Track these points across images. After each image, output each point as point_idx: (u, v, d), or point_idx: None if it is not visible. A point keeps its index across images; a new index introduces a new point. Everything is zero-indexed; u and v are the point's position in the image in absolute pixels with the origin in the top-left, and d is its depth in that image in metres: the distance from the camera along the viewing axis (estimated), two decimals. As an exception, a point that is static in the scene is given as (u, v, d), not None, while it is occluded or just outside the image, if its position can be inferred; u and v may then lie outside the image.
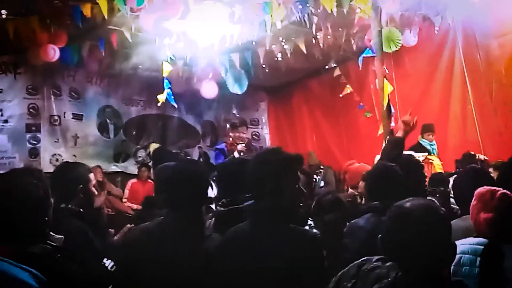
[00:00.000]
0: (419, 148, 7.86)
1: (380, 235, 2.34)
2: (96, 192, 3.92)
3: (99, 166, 8.72)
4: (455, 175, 4.52)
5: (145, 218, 3.54)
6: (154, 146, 8.35)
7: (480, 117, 8.04)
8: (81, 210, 3.69)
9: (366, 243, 3.37)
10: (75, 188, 3.75)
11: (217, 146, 7.36)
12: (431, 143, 8.12)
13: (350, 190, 5.47)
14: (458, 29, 8.19)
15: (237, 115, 11.18)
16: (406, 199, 2.35)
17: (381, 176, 3.86)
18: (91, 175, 3.96)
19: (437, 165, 7.05)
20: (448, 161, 7.66)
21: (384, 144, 4.95)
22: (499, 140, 7.68)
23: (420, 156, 6.90)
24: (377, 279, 2.30)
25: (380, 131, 5.17)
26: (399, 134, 4.48)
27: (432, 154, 7.79)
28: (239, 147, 6.64)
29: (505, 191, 3.15)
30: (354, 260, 3.09)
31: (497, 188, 3.21)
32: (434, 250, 2.20)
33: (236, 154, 6.50)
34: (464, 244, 3.15)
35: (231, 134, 6.81)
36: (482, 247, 3.07)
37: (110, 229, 4.14)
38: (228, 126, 7.24)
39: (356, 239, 3.54)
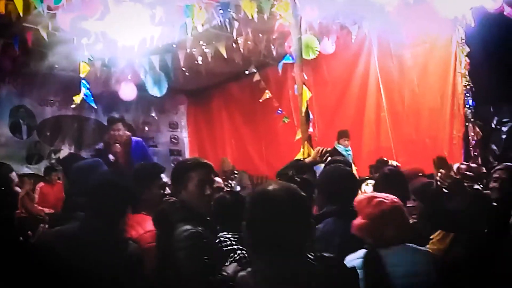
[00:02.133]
0: (335, 153, 8.04)
1: (244, 223, 2.40)
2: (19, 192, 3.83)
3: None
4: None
5: (63, 221, 3.47)
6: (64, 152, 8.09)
7: (393, 124, 8.34)
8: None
9: (339, 246, 3.44)
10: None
11: (96, 147, 6.98)
12: (346, 149, 8.34)
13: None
14: (373, 38, 8.47)
15: (156, 118, 11.14)
16: (267, 184, 2.42)
17: (337, 179, 3.87)
18: (13, 175, 3.84)
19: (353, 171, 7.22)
20: (362, 166, 7.88)
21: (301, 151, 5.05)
22: (410, 147, 7.98)
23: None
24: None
25: (298, 136, 5.24)
26: (308, 159, 4.56)
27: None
28: (114, 148, 6.36)
29: (381, 198, 3.24)
30: None
31: (375, 194, 3.30)
32: (297, 228, 2.27)
33: (110, 157, 6.28)
34: (353, 260, 3.23)
35: (110, 132, 6.46)
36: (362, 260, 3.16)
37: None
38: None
39: (329, 245, 3.53)
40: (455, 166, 4.85)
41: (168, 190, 3.91)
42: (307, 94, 5.07)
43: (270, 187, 2.36)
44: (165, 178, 3.90)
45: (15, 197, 3.77)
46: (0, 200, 3.63)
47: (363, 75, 8.89)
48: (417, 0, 6.60)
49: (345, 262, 3.08)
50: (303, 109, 5.03)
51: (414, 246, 3.16)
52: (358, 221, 3.19)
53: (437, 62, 7.96)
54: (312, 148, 5.01)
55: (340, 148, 8.36)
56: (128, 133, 6.54)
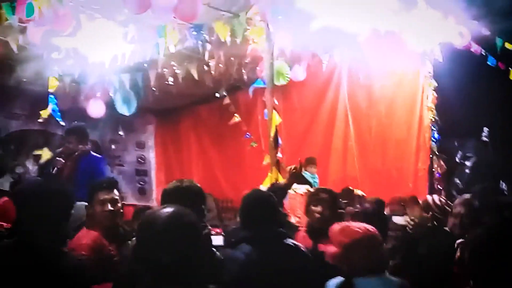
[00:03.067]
0: (302, 180, 8.06)
1: (132, 246, 2.41)
2: None
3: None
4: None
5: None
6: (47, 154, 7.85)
7: (360, 153, 8.44)
8: None
9: (242, 274, 3.41)
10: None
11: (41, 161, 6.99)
12: (312, 176, 8.38)
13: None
14: (344, 68, 8.58)
15: (123, 137, 11.03)
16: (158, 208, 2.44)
17: (254, 204, 3.85)
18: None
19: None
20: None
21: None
22: (376, 177, 8.06)
23: (302, 188, 7.09)
24: None
25: (266, 161, 5.25)
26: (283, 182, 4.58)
27: (314, 187, 8.00)
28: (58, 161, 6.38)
29: (352, 226, 3.28)
30: None
31: (350, 224, 3.33)
32: (180, 256, 2.26)
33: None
34: (332, 286, 3.25)
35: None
36: None
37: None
38: None
39: (230, 271, 3.47)
40: (431, 199, 4.87)
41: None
42: (276, 119, 5.09)
43: (157, 212, 2.36)
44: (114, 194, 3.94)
45: None
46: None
47: (332, 104, 8.97)
48: (387, 32, 6.68)
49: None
50: (272, 134, 5.04)
51: (390, 277, 3.18)
52: (331, 249, 3.22)
53: (405, 95, 8.09)
54: (280, 173, 5.03)
55: (307, 175, 8.38)
56: (83, 147, 6.48)
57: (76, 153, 6.45)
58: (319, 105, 9.21)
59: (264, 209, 3.77)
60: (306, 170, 8.50)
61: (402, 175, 7.92)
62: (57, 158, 6.29)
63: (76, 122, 8.82)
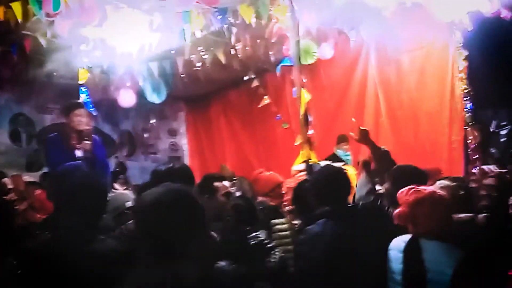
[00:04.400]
0: (335, 158, 8.05)
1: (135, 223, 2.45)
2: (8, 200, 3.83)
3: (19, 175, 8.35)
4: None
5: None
6: None
7: (392, 129, 8.34)
8: None
9: (328, 249, 3.46)
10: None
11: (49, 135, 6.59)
12: (346, 154, 8.33)
13: (260, 198, 5.55)
14: (371, 43, 8.48)
15: (155, 125, 11.13)
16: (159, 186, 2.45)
17: (330, 180, 3.94)
18: (2, 184, 3.86)
19: (352, 175, 7.21)
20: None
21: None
22: (409, 151, 7.97)
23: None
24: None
25: (298, 141, 5.25)
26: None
27: (347, 164, 7.98)
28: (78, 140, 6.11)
29: (419, 188, 3.31)
30: (312, 268, 3.21)
31: (419, 187, 3.38)
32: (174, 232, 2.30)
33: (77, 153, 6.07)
34: (397, 240, 3.33)
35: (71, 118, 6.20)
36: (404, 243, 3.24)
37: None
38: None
39: (318, 246, 3.58)
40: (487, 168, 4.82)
41: None
42: (305, 96, 5.08)
43: (155, 192, 2.39)
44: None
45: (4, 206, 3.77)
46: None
47: (361, 80, 8.90)
48: (414, 5, 6.59)
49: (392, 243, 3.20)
50: (302, 112, 5.05)
51: (454, 247, 3.21)
52: (397, 209, 3.26)
53: (435, 66, 7.97)
54: (312, 151, 5.04)
55: (340, 153, 8.36)
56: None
57: (90, 130, 6.41)
58: (348, 82, 9.14)
59: (341, 183, 3.90)
60: (339, 149, 8.49)
61: (436, 148, 7.83)
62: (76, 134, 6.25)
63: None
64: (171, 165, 3.86)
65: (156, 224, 2.30)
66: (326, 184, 3.91)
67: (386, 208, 3.94)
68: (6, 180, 3.92)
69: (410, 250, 3.22)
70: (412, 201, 3.27)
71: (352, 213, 3.82)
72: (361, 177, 4.52)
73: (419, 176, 4.14)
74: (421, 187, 3.38)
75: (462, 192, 4.06)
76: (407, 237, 3.32)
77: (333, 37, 8.16)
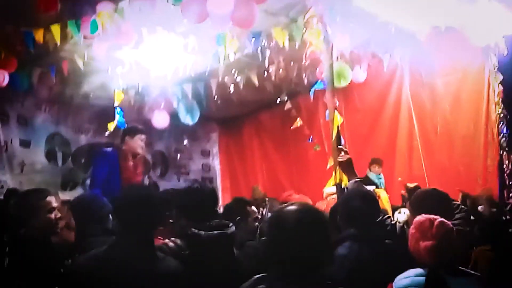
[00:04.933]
0: (367, 181, 8.01)
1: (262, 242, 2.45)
2: (53, 218, 3.89)
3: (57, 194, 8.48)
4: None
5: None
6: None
7: (426, 152, 8.29)
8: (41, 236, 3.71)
9: (353, 271, 3.45)
10: (26, 215, 3.75)
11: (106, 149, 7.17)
12: (378, 176, 8.30)
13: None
14: (405, 67, 8.48)
15: (188, 146, 11.20)
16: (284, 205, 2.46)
17: (357, 201, 3.93)
18: (46, 202, 3.92)
19: (384, 198, 7.19)
20: (395, 195, 7.81)
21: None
22: (443, 175, 7.90)
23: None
24: None
25: (330, 164, 5.24)
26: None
27: (380, 188, 7.94)
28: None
29: (442, 219, 3.27)
30: None
31: (434, 217, 3.32)
32: (311, 252, 2.29)
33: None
34: (406, 278, 3.23)
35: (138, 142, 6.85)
36: (424, 278, 3.16)
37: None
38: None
39: (342, 269, 3.54)
40: None
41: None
42: (338, 119, 5.08)
43: (286, 209, 2.40)
44: None
45: (47, 223, 3.83)
46: (31, 229, 3.71)
47: (395, 103, 8.89)
48: (448, 29, 6.57)
49: (395, 281, 3.12)
50: (334, 134, 5.05)
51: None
52: (426, 242, 3.20)
53: (470, 90, 7.92)
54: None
55: (372, 176, 8.33)
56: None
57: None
58: (382, 105, 9.13)
59: (368, 206, 3.88)
60: (371, 171, 8.46)
61: (471, 172, 7.74)
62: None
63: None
64: (197, 185, 3.89)
65: (297, 246, 2.29)
66: (352, 206, 3.90)
67: None
68: (50, 198, 3.98)
69: (434, 283, 3.14)
70: (444, 233, 3.22)
71: (378, 236, 3.80)
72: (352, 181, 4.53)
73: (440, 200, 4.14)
74: (436, 217, 3.32)
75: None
76: (419, 271, 3.24)
77: (367, 60, 8.15)
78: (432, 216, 3.36)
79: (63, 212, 4.47)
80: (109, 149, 6.97)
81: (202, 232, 3.39)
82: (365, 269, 3.51)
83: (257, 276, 2.42)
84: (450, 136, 8.10)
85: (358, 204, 3.88)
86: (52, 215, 3.84)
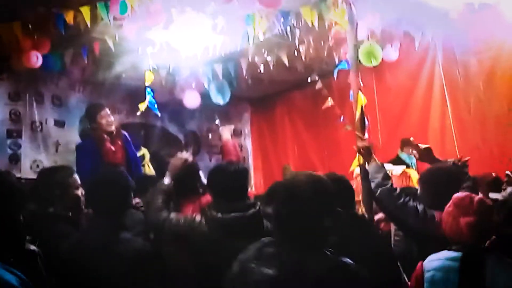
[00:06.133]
0: (398, 161, 7.96)
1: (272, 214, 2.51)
2: (80, 195, 3.97)
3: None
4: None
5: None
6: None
7: (459, 132, 8.18)
8: (69, 214, 3.78)
9: None
10: (57, 192, 3.83)
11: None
12: (410, 157, 8.21)
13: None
14: (438, 45, 8.34)
15: (219, 126, 11.24)
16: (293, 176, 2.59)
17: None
18: (72, 179, 4.00)
19: (415, 179, 7.12)
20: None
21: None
22: (476, 154, 7.76)
23: (398, 169, 7.01)
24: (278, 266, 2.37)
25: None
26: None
27: (411, 168, 7.87)
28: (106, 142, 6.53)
29: (481, 196, 3.26)
30: None
31: (472, 194, 3.31)
32: (320, 219, 2.39)
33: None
34: (437, 260, 3.21)
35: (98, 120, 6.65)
36: (456, 263, 3.13)
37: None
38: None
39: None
40: None
41: None
42: (362, 100, 5.05)
43: (294, 180, 2.50)
44: None
45: (75, 200, 3.91)
46: (60, 203, 3.78)
47: (427, 82, 8.75)
48: (482, 5, 6.45)
49: (426, 261, 3.13)
50: (358, 115, 5.03)
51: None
52: (467, 218, 3.19)
53: (504, 68, 7.75)
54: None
55: (404, 156, 8.27)
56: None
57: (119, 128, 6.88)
58: (414, 84, 9.01)
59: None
60: (403, 151, 8.39)
61: (504, 151, 7.61)
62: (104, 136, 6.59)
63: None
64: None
65: (297, 211, 2.39)
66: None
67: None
68: (76, 176, 4.07)
69: (470, 268, 3.11)
70: (484, 210, 3.20)
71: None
72: (372, 165, 4.50)
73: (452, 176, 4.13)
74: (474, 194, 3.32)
75: None
76: (452, 255, 3.22)
77: (399, 39, 8.04)
78: (469, 193, 3.35)
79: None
80: (84, 140, 6.96)
81: (219, 215, 3.45)
82: None
83: (264, 239, 2.50)
84: (483, 115, 7.96)
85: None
86: (79, 192, 3.92)
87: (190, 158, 4.61)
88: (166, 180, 4.16)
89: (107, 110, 6.82)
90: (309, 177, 2.49)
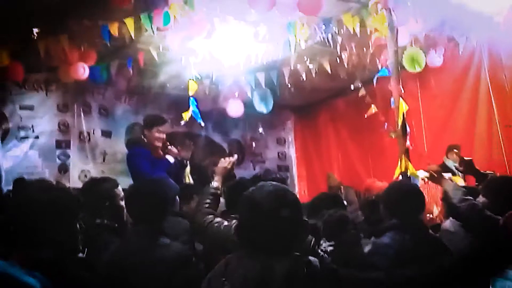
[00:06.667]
0: (444, 168, 7.83)
1: (234, 226, 2.53)
2: (123, 207, 4.03)
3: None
4: None
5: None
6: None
7: (506, 138, 8.00)
8: (116, 225, 3.86)
9: (395, 260, 3.50)
10: (103, 203, 3.92)
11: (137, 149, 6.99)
12: (455, 164, 8.07)
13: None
14: (483, 50, 8.18)
15: (263, 134, 11.27)
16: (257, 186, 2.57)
17: (400, 193, 3.99)
18: (118, 190, 4.08)
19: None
20: (472, 182, 7.60)
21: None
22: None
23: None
24: (244, 275, 2.40)
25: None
26: None
27: (457, 175, 7.74)
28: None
29: None
30: (383, 278, 3.25)
31: None
32: (289, 229, 2.43)
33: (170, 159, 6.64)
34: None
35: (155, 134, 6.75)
36: None
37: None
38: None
39: (384, 257, 3.65)
40: None
41: None
42: (403, 107, 5.02)
43: (257, 191, 2.53)
44: None
45: (120, 211, 3.98)
46: (106, 214, 3.87)
47: (473, 87, 8.59)
48: (528, 8, 6.33)
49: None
50: (400, 122, 4.99)
51: None
52: None
53: (552, 72, 7.58)
54: (410, 161, 4.95)
55: (449, 163, 8.13)
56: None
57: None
58: (460, 90, 8.86)
59: (412, 198, 3.94)
60: (448, 158, 8.26)
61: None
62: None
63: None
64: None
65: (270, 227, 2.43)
66: (399, 198, 3.97)
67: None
68: (120, 187, 4.16)
69: None
70: None
71: (420, 228, 3.88)
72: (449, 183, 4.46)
73: None
74: None
75: None
76: None
77: (442, 44, 7.95)
78: None
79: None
80: (137, 147, 7.08)
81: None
82: (407, 258, 3.57)
83: (228, 256, 2.57)
84: (531, 120, 7.78)
85: (401, 197, 3.95)
86: (123, 203, 3.99)
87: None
88: (215, 184, 4.20)
89: (165, 127, 6.96)
90: (272, 188, 2.52)
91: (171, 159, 6.68)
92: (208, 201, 3.97)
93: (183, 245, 3.62)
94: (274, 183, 2.59)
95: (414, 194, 3.99)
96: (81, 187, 4.37)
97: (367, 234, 4.26)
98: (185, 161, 6.98)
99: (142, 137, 6.91)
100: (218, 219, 3.78)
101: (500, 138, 8.05)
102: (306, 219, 2.64)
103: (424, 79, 8.88)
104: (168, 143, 6.81)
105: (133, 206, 3.58)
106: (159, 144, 6.68)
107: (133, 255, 3.25)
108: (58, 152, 8.91)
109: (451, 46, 7.98)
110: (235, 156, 4.72)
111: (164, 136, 6.80)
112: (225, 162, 4.39)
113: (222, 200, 4.32)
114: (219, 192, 4.14)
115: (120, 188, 4.15)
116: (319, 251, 4.00)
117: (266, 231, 2.41)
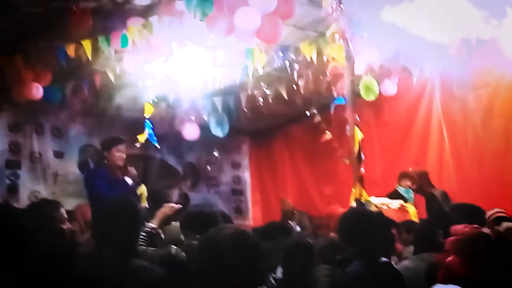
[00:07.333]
0: (396, 195, 7.95)
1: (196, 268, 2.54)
2: (69, 229, 3.93)
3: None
4: None
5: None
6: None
7: (457, 167, 8.18)
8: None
9: None
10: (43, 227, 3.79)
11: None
12: (407, 191, 8.20)
13: (332, 234, 5.55)
14: (436, 80, 8.39)
15: (218, 158, 11.25)
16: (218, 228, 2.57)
17: (357, 222, 3.99)
18: (60, 213, 3.97)
19: (413, 213, 7.11)
20: (424, 209, 7.73)
21: None
22: (474, 189, 7.78)
23: (395, 203, 7.00)
24: None
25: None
26: None
27: (409, 202, 7.86)
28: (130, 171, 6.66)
29: None
30: None
31: None
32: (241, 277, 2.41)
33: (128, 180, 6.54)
34: None
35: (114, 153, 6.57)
36: None
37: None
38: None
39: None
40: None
41: None
42: (358, 135, 5.10)
43: (218, 235, 2.54)
44: None
45: (62, 235, 3.86)
46: (46, 241, 3.74)
47: (425, 117, 8.78)
48: (480, 41, 6.52)
49: None
50: (355, 150, 5.07)
51: None
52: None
53: (502, 104, 7.77)
54: (364, 189, 5.02)
55: (401, 190, 8.25)
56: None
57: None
58: (412, 118, 9.04)
59: (368, 227, 3.91)
60: (400, 185, 8.38)
61: (502, 188, 7.59)
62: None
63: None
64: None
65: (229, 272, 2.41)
66: (354, 226, 3.97)
67: None
68: (63, 210, 4.05)
69: None
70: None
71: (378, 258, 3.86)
72: None
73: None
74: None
75: None
76: None
77: (397, 73, 8.12)
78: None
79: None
80: (97, 168, 6.98)
81: None
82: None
83: None
84: (481, 151, 7.95)
85: (357, 224, 3.95)
86: (66, 227, 3.89)
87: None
88: (152, 224, 4.25)
89: (124, 146, 6.77)
90: (232, 231, 2.52)
91: (129, 180, 6.57)
92: (141, 237, 3.97)
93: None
94: (234, 225, 2.60)
95: (368, 221, 4.00)
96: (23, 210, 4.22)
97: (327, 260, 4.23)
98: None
99: (103, 159, 6.78)
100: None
101: (451, 167, 8.23)
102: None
103: (378, 107, 9.02)
104: (128, 164, 6.69)
105: (105, 225, 3.39)
106: (121, 163, 6.54)
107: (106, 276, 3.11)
108: (7, 172, 8.71)
109: (405, 76, 8.16)
110: (179, 206, 4.71)
111: (125, 155, 6.66)
112: (168, 207, 4.42)
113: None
114: (154, 232, 4.17)
115: (63, 210, 4.04)
116: (271, 279, 3.99)
117: (224, 275, 2.39)
